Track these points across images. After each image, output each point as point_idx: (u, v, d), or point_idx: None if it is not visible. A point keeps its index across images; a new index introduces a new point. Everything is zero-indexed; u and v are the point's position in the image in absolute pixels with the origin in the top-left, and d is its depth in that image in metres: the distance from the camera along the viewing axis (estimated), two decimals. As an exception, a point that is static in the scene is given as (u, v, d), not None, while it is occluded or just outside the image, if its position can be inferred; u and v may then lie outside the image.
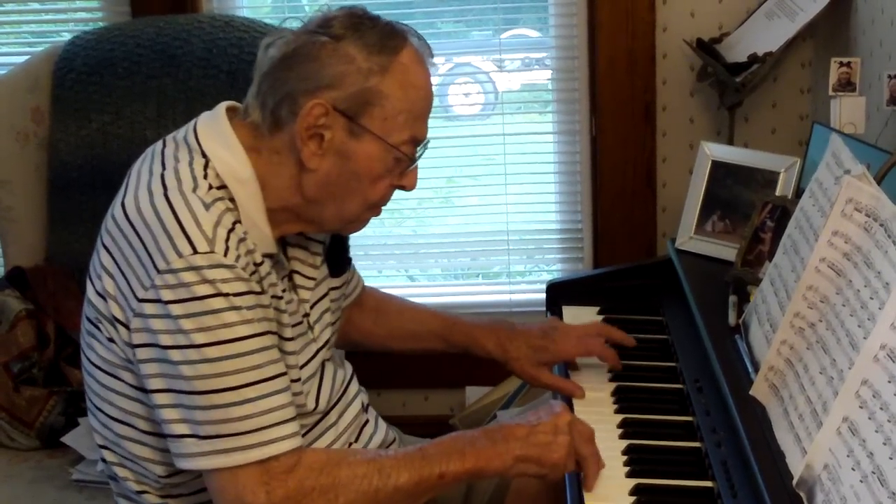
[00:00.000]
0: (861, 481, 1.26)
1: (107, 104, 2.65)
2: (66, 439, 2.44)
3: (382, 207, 1.71)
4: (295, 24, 1.66)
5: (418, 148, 1.66)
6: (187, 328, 1.48)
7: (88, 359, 1.65)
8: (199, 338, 1.48)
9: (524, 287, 3.17)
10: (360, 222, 1.71)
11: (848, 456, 1.30)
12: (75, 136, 2.66)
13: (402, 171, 1.66)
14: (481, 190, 3.17)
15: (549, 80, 3.05)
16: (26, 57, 2.83)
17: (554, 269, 3.15)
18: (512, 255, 3.12)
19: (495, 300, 3.14)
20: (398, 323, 2.06)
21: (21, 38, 3.24)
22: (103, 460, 1.71)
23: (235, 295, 1.50)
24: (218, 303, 1.48)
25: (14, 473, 2.42)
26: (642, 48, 2.81)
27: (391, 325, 2.06)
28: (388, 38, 1.59)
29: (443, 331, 2.03)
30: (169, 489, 1.67)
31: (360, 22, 1.59)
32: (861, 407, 1.31)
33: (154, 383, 1.54)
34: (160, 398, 1.54)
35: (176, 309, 1.48)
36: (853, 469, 1.28)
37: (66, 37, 2.93)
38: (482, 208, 3.16)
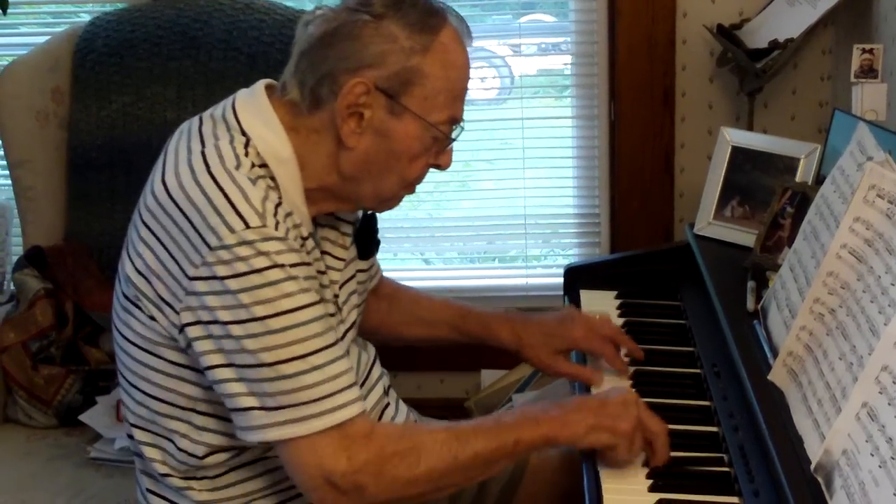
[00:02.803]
0: (880, 466, 1.26)
1: (127, 85, 2.66)
2: (84, 418, 2.45)
3: (417, 186, 1.72)
4: (332, 2, 1.65)
5: (455, 128, 1.66)
6: (246, 302, 1.48)
7: (124, 336, 1.65)
8: (260, 310, 1.49)
9: (540, 271, 3.17)
10: (395, 200, 1.72)
11: (867, 441, 1.30)
12: (95, 117, 2.67)
13: (438, 150, 1.67)
14: (499, 174, 3.17)
15: (567, 64, 3.05)
16: (45, 37, 2.84)
17: (570, 253, 3.15)
18: (529, 239, 3.12)
19: (511, 284, 3.14)
20: (412, 311, 2.06)
21: (40, 18, 3.25)
22: (130, 437, 1.71)
23: (291, 265, 1.50)
24: (276, 274, 1.49)
25: (32, 451, 2.44)
26: (662, 33, 2.80)
27: (405, 314, 2.06)
28: (429, 17, 1.59)
29: (457, 320, 2.02)
30: (194, 472, 1.67)
31: (400, 0, 1.59)
32: (881, 393, 1.31)
33: (212, 359, 1.53)
34: (221, 373, 1.53)
35: (233, 284, 1.48)
36: (872, 454, 1.28)
37: (85, 18, 2.94)
38: (499, 192, 3.16)
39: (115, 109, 2.66)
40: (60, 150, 2.72)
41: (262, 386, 1.51)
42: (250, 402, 1.53)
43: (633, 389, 1.74)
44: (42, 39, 2.83)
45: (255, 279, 1.48)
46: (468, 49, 1.66)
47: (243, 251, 1.48)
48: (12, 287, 2.70)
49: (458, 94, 1.65)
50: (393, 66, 1.56)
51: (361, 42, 1.56)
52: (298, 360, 1.51)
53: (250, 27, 2.65)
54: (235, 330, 1.50)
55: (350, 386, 1.55)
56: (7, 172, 2.76)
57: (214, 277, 1.49)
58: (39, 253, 2.64)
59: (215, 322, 1.51)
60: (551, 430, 1.62)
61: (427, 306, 2.06)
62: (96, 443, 2.39)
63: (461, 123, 1.68)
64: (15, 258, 2.73)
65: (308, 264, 1.56)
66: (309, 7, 2.82)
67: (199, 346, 1.54)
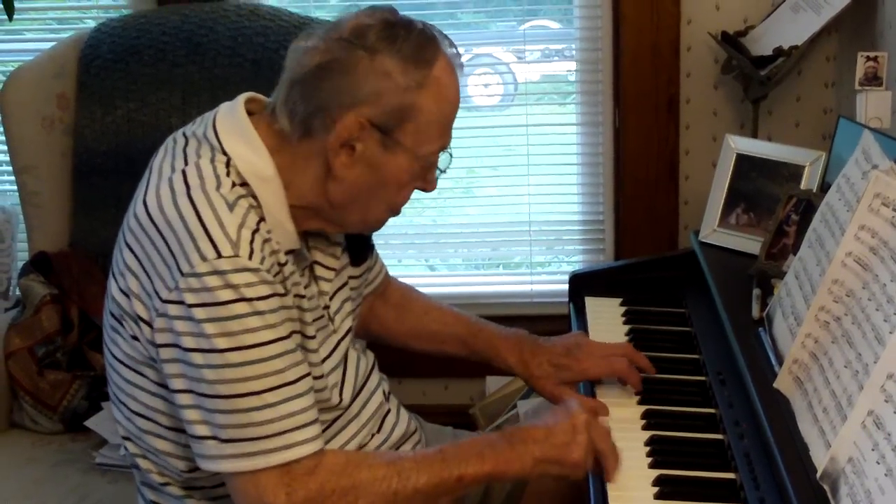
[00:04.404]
0: (886, 475, 1.26)
1: (132, 91, 2.67)
2: (90, 423, 2.46)
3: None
4: (321, 14, 1.65)
5: (442, 154, 1.66)
6: (210, 332, 1.48)
7: (112, 353, 1.65)
8: (222, 342, 1.48)
9: (545, 278, 3.17)
10: (380, 223, 1.72)
11: (873, 450, 1.30)
12: (100, 123, 2.67)
13: (426, 176, 1.67)
14: (503, 180, 3.17)
15: (571, 71, 3.05)
16: (51, 44, 2.85)
17: (575, 260, 3.15)
18: (533, 245, 3.13)
19: (516, 291, 3.15)
20: (421, 322, 2.04)
21: (45, 24, 3.26)
22: (126, 449, 1.72)
23: (259, 299, 1.50)
24: (241, 308, 1.48)
25: (37, 456, 2.44)
26: (667, 40, 2.80)
27: (414, 324, 2.04)
28: (423, 50, 1.57)
29: (466, 337, 2.00)
30: (191, 482, 1.68)
31: (395, 33, 1.56)
32: (886, 401, 1.31)
33: (176, 383, 1.54)
34: (182, 398, 1.54)
35: (199, 313, 1.48)
36: (878, 462, 1.28)
37: (91, 24, 2.95)
38: (503, 198, 3.16)
39: (121, 115, 2.67)
40: (66, 156, 2.73)
41: (215, 417, 1.51)
42: (204, 430, 1.53)
43: (580, 403, 1.71)
44: (47, 45, 2.84)
45: (220, 311, 1.48)
46: (460, 74, 1.65)
47: (212, 281, 1.48)
48: (18, 293, 2.71)
49: (448, 124, 1.64)
50: (388, 104, 1.55)
51: (356, 78, 1.55)
52: (253, 395, 1.50)
53: (255, 33, 2.66)
54: (196, 358, 1.50)
55: (304, 425, 1.54)
56: (13, 178, 2.76)
57: (183, 303, 1.49)
58: (45, 259, 2.65)
59: (180, 347, 1.51)
60: (497, 466, 1.61)
61: (438, 318, 2.04)
62: (102, 448, 2.40)
63: (449, 149, 1.67)
64: (21, 264, 2.74)
65: (282, 294, 1.55)
66: (314, 14, 2.83)
67: (167, 368, 1.54)
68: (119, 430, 1.71)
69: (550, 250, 3.21)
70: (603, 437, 1.65)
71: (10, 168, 2.80)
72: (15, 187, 2.77)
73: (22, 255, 2.86)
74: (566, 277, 2.34)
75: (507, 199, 3.15)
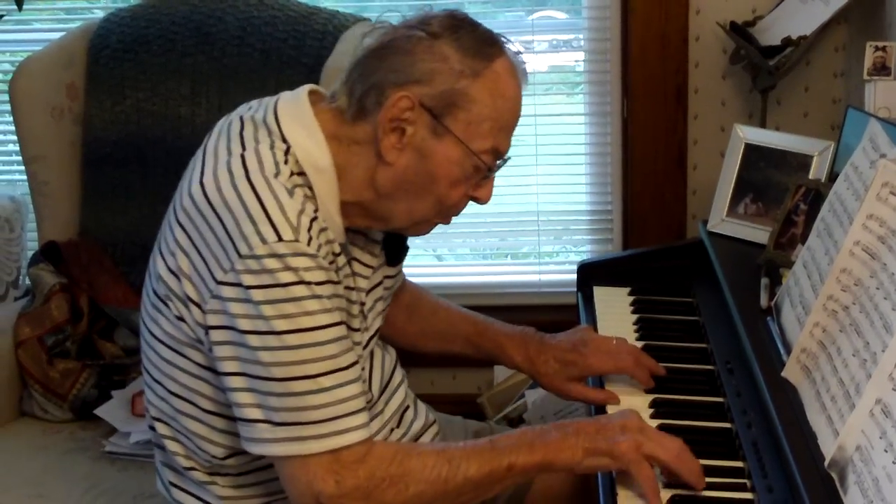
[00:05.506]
0: (893, 463, 1.26)
1: (141, 81, 2.67)
2: (99, 412, 2.47)
3: (453, 217, 1.70)
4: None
5: (498, 161, 1.66)
6: (268, 314, 1.48)
7: (152, 333, 1.65)
8: (280, 325, 1.48)
9: (553, 268, 3.18)
10: (428, 225, 1.71)
11: (880, 437, 1.31)
12: (110, 113, 2.68)
13: (477, 181, 1.66)
14: (511, 170, 3.14)
15: (579, 61, 3.05)
16: (60, 34, 2.85)
17: (583, 250, 3.15)
18: (542, 235, 3.13)
19: (524, 280, 3.15)
20: (429, 323, 2.04)
21: (54, 14, 3.26)
22: (152, 429, 1.72)
23: (317, 284, 1.50)
24: (300, 291, 1.48)
25: (47, 445, 2.45)
26: (675, 30, 2.80)
27: (422, 324, 2.03)
28: (485, 45, 1.60)
29: (472, 336, 2.00)
30: (218, 469, 1.68)
31: (459, 25, 1.59)
32: (894, 389, 1.31)
33: (228, 366, 1.54)
34: (234, 381, 1.54)
35: (257, 295, 1.48)
36: (885, 451, 1.29)
37: (99, 14, 2.96)
38: (512, 189, 3.16)
39: (130, 105, 2.68)
40: (75, 146, 2.73)
41: (269, 400, 1.51)
42: (257, 414, 1.53)
43: (636, 412, 1.67)
44: (56, 36, 2.84)
45: (279, 293, 1.48)
46: (524, 83, 1.66)
47: (272, 264, 1.48)
48: (27, 282, 2.72)
49: (504, 126, 1.63)
50: (440, 86, 1.56)
51: (413, 57, 1.57)
52: (308, 379, 1.50)
53: (264, 23, 2.66)
54: (253, 340, 1.50)
55: (355, 412, 1.54)
56: (22, 168, 2.77)
57: (240, 285, 1.49)
58: (54, 248, 2.65)
59: (235, 329, 1.51)
60: (546, 456, 1.60)
61: (445, 318, 2.04)
62: (111, 437, 2.40)
63: (506, 157, 1.67)
64: (30, 253, 2.75)
65: (336, 282, 1.55)
66: (323, 4, 2.83)
67: (219, 350, 1.54)
68: (150, 411, 1.71)
69: (559, 240, 3.21)
70: (663, 437, 1.60)
71: (19, 158, 2.81)
72: (24, 177, 2.77)
73: (31, 245, 2.87)
74: (574, 267, 2.35)
75: (515, 190, 3.14)
